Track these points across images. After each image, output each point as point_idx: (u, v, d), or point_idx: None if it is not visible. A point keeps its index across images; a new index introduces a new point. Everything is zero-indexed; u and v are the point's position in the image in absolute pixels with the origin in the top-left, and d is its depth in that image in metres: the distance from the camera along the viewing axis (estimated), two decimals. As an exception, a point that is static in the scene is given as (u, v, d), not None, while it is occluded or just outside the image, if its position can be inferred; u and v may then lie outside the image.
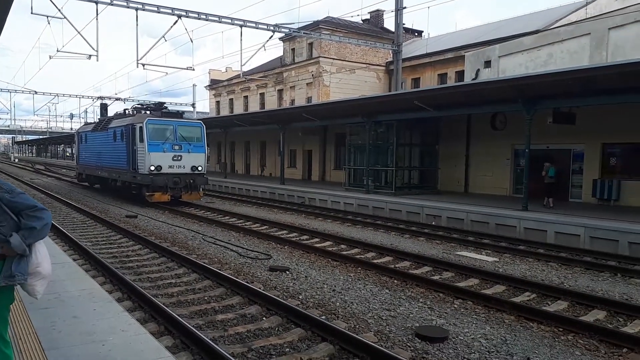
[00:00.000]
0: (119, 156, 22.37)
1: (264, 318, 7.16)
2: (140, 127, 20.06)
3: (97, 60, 21.58)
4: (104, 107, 32.62)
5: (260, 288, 8.50)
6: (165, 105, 23.78)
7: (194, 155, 20.75)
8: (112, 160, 23.44)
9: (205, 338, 5.85)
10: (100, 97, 46.36)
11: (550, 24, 26.31)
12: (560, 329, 6.94)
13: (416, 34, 43.89)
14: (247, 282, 8.81)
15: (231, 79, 48.46)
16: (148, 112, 22.18)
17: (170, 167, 20.01)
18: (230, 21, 23.03)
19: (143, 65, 22.65)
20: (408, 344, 6.34)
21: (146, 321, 6.77)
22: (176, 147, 20.22)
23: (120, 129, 22.38)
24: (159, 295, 8.13)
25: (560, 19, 26.80)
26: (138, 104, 25.22)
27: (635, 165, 18.25)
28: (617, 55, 19.64)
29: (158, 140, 19.94)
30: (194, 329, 6.19)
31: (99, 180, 27.16)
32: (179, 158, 20.28)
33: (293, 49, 38.96)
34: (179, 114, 22.86)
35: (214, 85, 51.27)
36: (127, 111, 24.19)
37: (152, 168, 19.61)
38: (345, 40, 30.35)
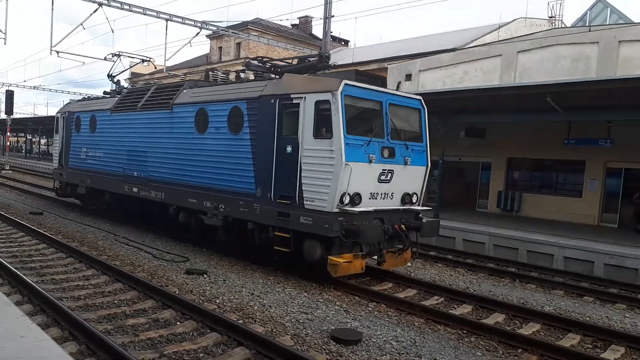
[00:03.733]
0: (224, 165, 10.87)
1: (178, 323, 6.97)
2: (322, 102, 8.86)
3: (5, 44, 19.89)
4: (9, 96, 28.83)
5: (175, 292, 8.27)
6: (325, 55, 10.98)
7: (412, 170, 9.90)
8: (194, 172, 11.67)
9: (113, 344, 5.60)
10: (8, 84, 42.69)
11: (467, 43, 28.00)
12: (465, 331, 7.40)
13: (343, 42, 44.85)
14: (162, 286, 8.54)
15: (153, 73, 46.67)
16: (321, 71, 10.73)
17: (372, 196, 9.30)
18: (155, 14, 22.21)
19: (57, 52, 21.22)
20: (323, 346, 6.46)
21: (49, 326, 6.36)
22: (386, 153, 9.32)
23: (239, 105, 10.52)
24: (64, 298, 7.66)
25: (476, 39, 28.61)
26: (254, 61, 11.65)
27: (535, 179, 19.91)
28: (525, 76, 21.32)
29: (357, 134, 8.94)
30: (102, 334, 5.91)
31: (127, 203, 14.82)
32: (388, 177, 9.44)
33: (220, 48, 38.37)
34: (381, 79, 10.84)
35: (134, 78, 49.10)
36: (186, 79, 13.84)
37: (347, 199, 8.80)
38: (274, 44, 30.37)
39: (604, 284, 11.22)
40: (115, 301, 7.79)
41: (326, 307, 8.17)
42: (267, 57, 11.67)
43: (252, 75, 11.51)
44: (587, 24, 25.88)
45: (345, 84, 8.77)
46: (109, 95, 16.46)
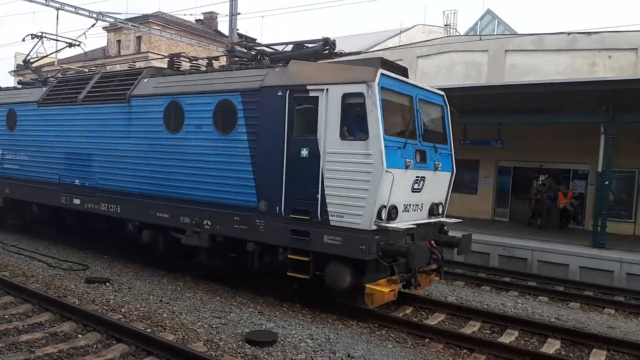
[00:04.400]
0: (210, 172, 8.90)
1: (80, 335, 6.49)
2: (353, 96, 7.47)
3: None
4: None
5: (75, 302, 7.69)
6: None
7: (441, 177, 8.81)
8: (165, 180, 9.54)
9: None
10: None
11: (371, 46, 29.04)
12: (376, 325, 7.66)
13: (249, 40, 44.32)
14: (59, 297, 7.89)
15: (43, 65, 42.97)
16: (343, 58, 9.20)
17: (405, 208, 7.99)
18: (44, 2, 20.45)
19: None
20: (238, 350, 6.35)
21: None
22: (419, 157, 8.08)
23: (229, 98, 8.68)
24: (-58, 318, 6.80)
25: (379, 43, 29.78)
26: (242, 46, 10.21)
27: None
28: (424, 80, 22.50)
29: (392, 134, 7.59)
30: (-9, 355, 5.32)
31: (66, 217, 12.46)
32: (420, 185, 8.20)
33: (119, 41, 36.25)
34: (403, 71, 8.71)
35: (20, 71, 44.86)
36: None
37: (384, 213, 7.40)
38: (177, 39, 29.31)
39: (498, 274, 12.20)
40: (6, 316, 7.06)
41: (240, 310, 8.04)
42: (253, 42, 9.85)
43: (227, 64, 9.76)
44: (477, 34, 28.02)
45: (382, 73, 7.36)
46: (32, 85, 13.33)
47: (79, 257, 11.22)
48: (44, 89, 12.47)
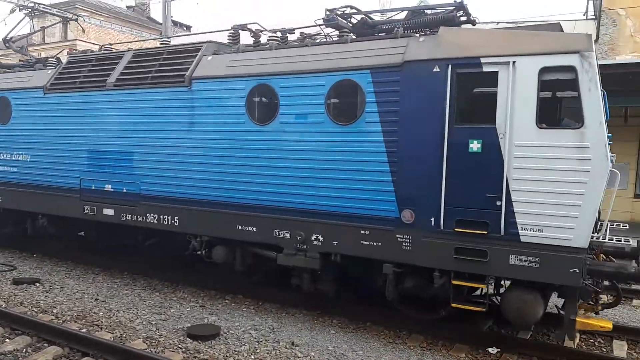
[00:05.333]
0: (321, 173, 7.03)
1: (7, 340, 6.14)
2: (556, 70, 5.84)
3: None
4: None
5: (1, 306, 7.25)
6: None
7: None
8: (252, 185, 7.57)
9: None
10: None
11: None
12: (319, 312, 7.74)
13: (185, 28, 43.17)
14: (-17, 301, 7.42)
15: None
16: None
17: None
18: (-45, -17, 18.84)
19: None
20: (179, 345, 6.23)
21: None
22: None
23: (352, 77, 6.84)
24: None
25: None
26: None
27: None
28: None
29: None
30: None
31: (91, 231, 10.41)
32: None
33: (43, 27, 34.09)
34: None
35: None
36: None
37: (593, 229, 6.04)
38: (108, 26, 28.01)
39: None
40: None
41: (180, 305, 7.88)
42: (355, 8, 7.61)
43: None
44: None
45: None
46: (30, 68, 10.91)
47: (4, 257, 10.55)
48: (49, 71, 10.05)
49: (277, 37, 7.98)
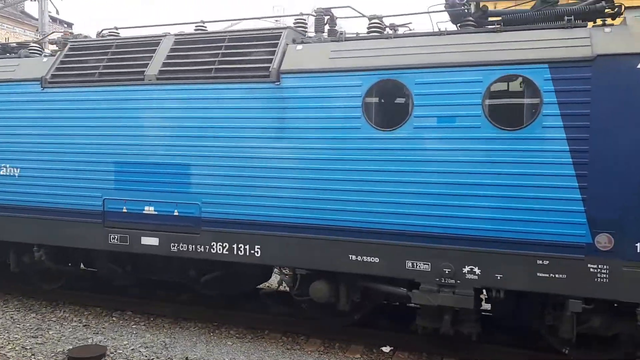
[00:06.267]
0: (473, 190, 5.77)
1: None
2: None
3: None
4: None
5: None
6: None
7: None
8: (371, 205, 6.04)
9: None
10: None
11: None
12: (215, 323, 7.53)
13: (65, 25, 40.13)
14: None
15: None
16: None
17: None
18: None
19: None
20: (59, 371, 5.71)
21: None
22: None
23: (522, 72, 5.64)
24: None
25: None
26: None
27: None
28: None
29: None
30: None
31: (116, 265, 7.80)
32: None
33: None
34: None
35: None
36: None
37: None
38: (-28, 18, 25.15)
39: None
40: None
41: (61, 326, 7.23)
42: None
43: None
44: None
45: None
46: (10, 55, 8.42)
47: None
48: (44, 59, 7.83)
49: (380, 24, 6.63)
